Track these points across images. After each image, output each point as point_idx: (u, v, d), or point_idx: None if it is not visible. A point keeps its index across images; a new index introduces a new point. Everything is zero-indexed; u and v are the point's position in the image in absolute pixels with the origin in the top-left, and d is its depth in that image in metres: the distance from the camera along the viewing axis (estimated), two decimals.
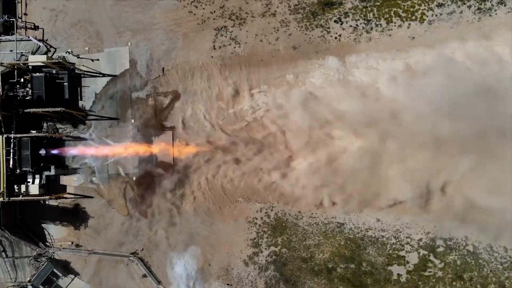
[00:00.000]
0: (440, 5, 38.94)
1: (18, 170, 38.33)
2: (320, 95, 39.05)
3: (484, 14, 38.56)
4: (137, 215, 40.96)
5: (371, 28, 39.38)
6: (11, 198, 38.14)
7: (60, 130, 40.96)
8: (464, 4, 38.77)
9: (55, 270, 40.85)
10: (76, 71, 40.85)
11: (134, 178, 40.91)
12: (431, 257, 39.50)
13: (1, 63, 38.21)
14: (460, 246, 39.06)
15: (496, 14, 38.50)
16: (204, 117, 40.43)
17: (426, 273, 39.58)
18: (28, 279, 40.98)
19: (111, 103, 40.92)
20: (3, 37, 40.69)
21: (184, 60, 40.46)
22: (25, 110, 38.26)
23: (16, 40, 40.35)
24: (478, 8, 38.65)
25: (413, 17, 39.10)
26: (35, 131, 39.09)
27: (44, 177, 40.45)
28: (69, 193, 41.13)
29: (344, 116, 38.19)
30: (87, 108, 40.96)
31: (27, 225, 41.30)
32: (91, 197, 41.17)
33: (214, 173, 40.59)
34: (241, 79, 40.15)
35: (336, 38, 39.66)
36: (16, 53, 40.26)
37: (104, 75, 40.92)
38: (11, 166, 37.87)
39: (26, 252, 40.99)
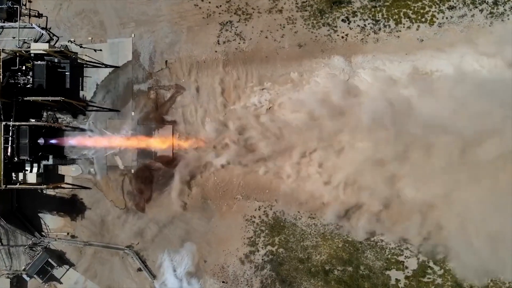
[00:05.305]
0: (451, 8, 38.34)
1: (16, 158, 38.10)
2: None
3: (496, 19, 37.95)
4: (134, 209, 40.76)
5: (379, 29, 38.85)
6: (8, 186, 37.85)
7: (59, 120, 40.69)
8: (476, 7, 38.18)
9: (50, 260, 40.68)
10: (78, 61, 40.53)
11: (133, 171, 40.66)
12: (431, 264, 39.25)
13: (3, 49, 37.73)
14: None
15: (508, 19, 37.91)
16: (206, 112, 40.02)
17: (425, 279, 39.41)
18: (23, 267, 40.88)
19: (112, 94, 40.57)
20: (6, 24, 40.31)
21: (188, 54, 40.06)
22: (25, 98, 37.90)
23: (19, 27, 40.00)
24: (490, 13, 38.05)
25: (423, 19, 38.52)
26: (34, 120, 38.79)
27: (42, 166, 40.10)
28: (66, 183, 40.94)
29: None
30: (88, 98, 40.64)
31: (24, 214, 41.17)
32: (89, 188, 40.97)
33: (213, 169, 40.24)
34: (245, 75, 39.76)
35: (343, 37, 39.17)
36: (19, 40, 39.97)
37: (106, 66, 40.56)
38: (9, 154, 37.58)
39: (21, 241, 40.89)
